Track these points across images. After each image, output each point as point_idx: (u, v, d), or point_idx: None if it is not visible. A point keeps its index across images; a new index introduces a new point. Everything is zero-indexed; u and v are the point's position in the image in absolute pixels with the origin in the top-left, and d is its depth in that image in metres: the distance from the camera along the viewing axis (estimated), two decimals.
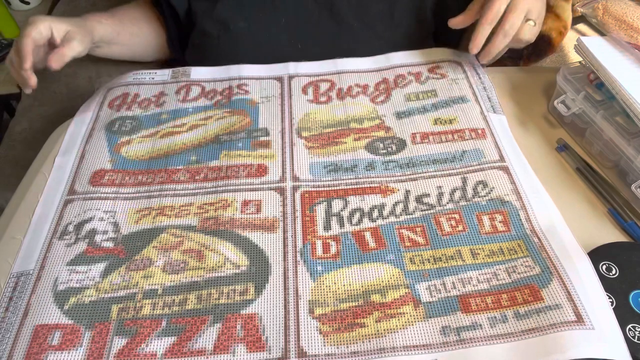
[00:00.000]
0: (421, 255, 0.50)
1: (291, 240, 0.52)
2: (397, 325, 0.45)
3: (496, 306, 0.45)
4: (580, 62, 0.63)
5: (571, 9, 0.94)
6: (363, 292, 0.47)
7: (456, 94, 0.66)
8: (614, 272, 0.47)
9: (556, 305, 0.44)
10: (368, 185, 0.56)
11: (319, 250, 0.51)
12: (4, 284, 0.49)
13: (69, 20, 0.65)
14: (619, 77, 0.55)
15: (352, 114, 0.65)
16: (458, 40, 0.81)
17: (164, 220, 0.54)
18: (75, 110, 0.68)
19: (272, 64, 0.72)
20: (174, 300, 0.47)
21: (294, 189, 0.56)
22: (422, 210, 0.54)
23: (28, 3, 1.33)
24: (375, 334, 0.44)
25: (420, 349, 0.43)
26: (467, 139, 0.60)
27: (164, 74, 0.72)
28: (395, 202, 0.55)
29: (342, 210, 0.54)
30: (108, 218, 0.54)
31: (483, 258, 0.49)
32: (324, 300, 0.47)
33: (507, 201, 0.54)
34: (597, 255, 0.48)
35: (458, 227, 0.52)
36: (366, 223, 0.53)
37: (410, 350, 0.43)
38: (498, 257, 0.49)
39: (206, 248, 0.51)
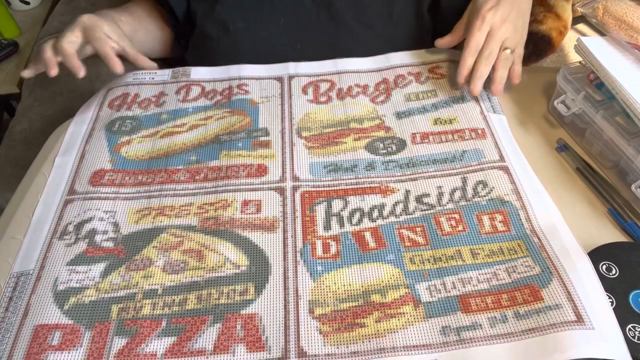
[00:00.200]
0: (421, 255, 0.50)
1: (291, 240, 0.52)
2: (397, 325, 0.45)
3: (496, 306, 0.45)
4: (580, 62, 0.63)
5: (571, 9, 0.94)
6: (363, 292, 0.47)
7: (456, 94, 0.66)
8: (614, 272, 0.47)
9: (556, 305, 0.44)
10: (368, 185, 0.56)
11: (319, 250, 0.51)
12: (4, 284, 0.49)
13: (113, 23, 0.67)
14: (619, 77, 0.55)
15: (352, 114, 0.65)
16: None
17: (164, 220, 0.54)
18: (75, 111, 0.68)
19: (272, 64, 0.72)
20: (174, 300, 0.47)
21: (294, 189, 0.56)
22: (422, 210, 0.54)
23: (28, 3, 1.33)
24: (375, 334, 0.44)
25: (421, 349, 0.43)
26: (467, 139, 0.60)
27: (164, 74, 0.72)
28: (395, 202, 0.55)
29: (342, 210, 0.54)
30: (108, 218, 0.54)
31: (483, 258, 0.49)
32: (324, 300, 0.47)
33: (507, 201, 0.54)
34: (597, 255, 0.48)
35: (458, 227, 0.52)
36: (366, 223, 0.53)
37: (411, 350, 0.43)
38: (498, 257, 0.49)
39: (206, 248, 0.51)
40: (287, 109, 0.66)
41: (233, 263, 0.50)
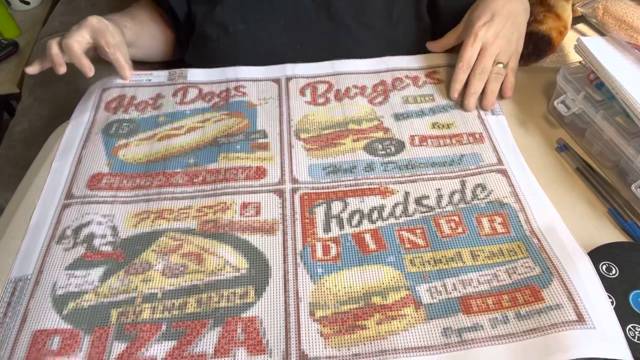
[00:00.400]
0: (421, 257, 0.50)
1: (291, 243, 0.51)
2: (398, 327, 0.44)
3: (497, 307, 0.45)
4: (580, 62, 0.63)
5: (571, 9, 0.94)
6: (364, 294, 0.47)
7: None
8: (614, 272, 0.47)
9: (557, 305, 0.44)
10: (367, 187, 0.56)
11: (319, 253, 0.51)
12: (2, 290, 0.49)
13: (116, 29, 0.68)
14: (619, 77, 0.55)
15: (351, 115, 0.65)
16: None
17: (163, 223, 0.54)
18: None
19: (269, 66, 0.72)
20: (173, 304, 0.47)
21: (293, 191, 0.56)
22: (421, 212, 0.54)
23: (28, 3, 1.33)
24: (376, 336, 0.44)
25: (422, 351, 0.43)
26: (465, 144, 0.61)
27: (161, 75, 0.72)
28: (395, 204, 0.55)
29: (341, 212, 0.54)
30: (106, 222, 0.54)
31: (483, 259, 0.49)
32: (325, 302, 0.47)
33: (506, 203, 0.54)
34: (597, 255, 0.49)
35: (458, 229, 0.52)
36: (366, 225, 0.53)
37: (412, 352, 0.43)
38: (498, 258, 0.49)
39: (205, 251, 0.51)
40: (285, 110, 0.66)
41: (233, 266, 0.50)
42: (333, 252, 0.51)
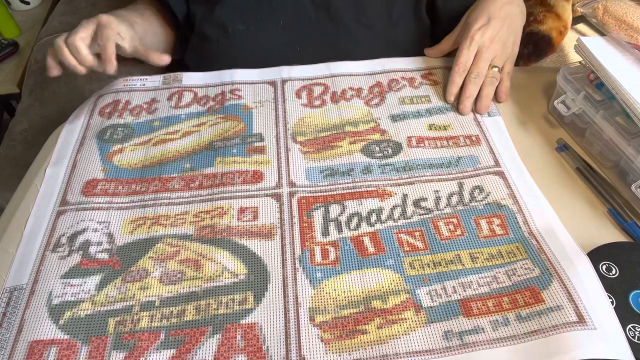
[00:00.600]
0: (421, 260, 0.49)
1: (289, 247, 0.51)
2: (399, 331, 0.44)
3: (498, 309, 0.45)
4: (580, 62, 0.63)
5: (571, 9, 0.94)
6: (363, 298, 0.47)
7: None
8: (614, 272, 0.47)
9: (557, 306, 0.44)
10: (365, 189, 0.56)
11: (318, 257, 0.50)
12: None
13: (128, 25, 0.67)
14: (619, 77, 0.55)
15: (347, 117, 0.64)
16: None
17: (160, 229, 0.53)
18: None
19: (265, 68, 0.71)
20: (172, 311, 0.46)
21: (291, 194, 0.56)
22: (420, 215, 0.53)
23: (28, 3, 1.32)
24: (377, 341, 0.44)
25: (423, 355, 0.43)
26: (462, 146, 0.60)
27: (155, 80, 0.71)
28: (393, 206, 0.54)
29: (339, 215, 0.54)
30: (102, 229, 0.53)
31: (482, 262, 0.49)
32: (325, 307, 0.46)
33: (504, 205, 0.54)
34: (597, 255, 0.48)
35: (456, 231, 0.52)
36: (364, 228, 0.52)
37: (413, 356, 0.43)
38: (497, 260, 0.49)
39: (203, 257, 0.51)
40: (281, 113, 0.65)
41: (231, 272, 0.49)
42: (332, 256, 0.50)
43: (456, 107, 0.65)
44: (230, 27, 0.73)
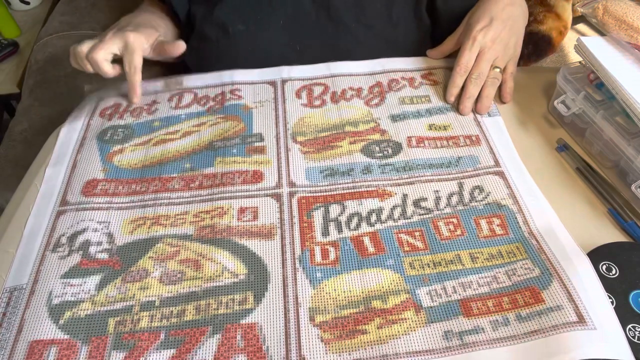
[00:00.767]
0: (421, 260, 0.49)
1: (289, 247, 0.51)
2: (399, 331, 0.44)
3: (498, 309, 0.45)
4: (580, 62, 0.63)
5: (571, 9, 0.94)
6: (363, 298, 0.47)
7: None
8: (614, 272, 0.47)
9: (557, 306, 0.44)
10: (365, 189, 0.56)
11: (318, 257, 0.50)
12: None
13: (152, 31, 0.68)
14: (619, 77, 0.55)
15: (347, 117, 0.64)
16: None
17: (160, 229, 0.53)
18: None
19: (265, 68, 0.71)
20: (171, 311, 0.46)
21: (291, 194, 0.56)
22: (420, 215, 0.53)
23: (28, 3, 1.33)
24: (377, 341, 0.44)
25: (423, 355, 0.43)
26: (462, 146, 0.60)
27: (157, 84, 0.71)
28: (393, 206, 0.54)
29: (339, 215, 0.54)
30: (102, 229, 0.53)
31: (482, 262, 0.49)
32: (325, 307, 0.46)
33: (504, 205, 0.54)
34: (597, 255, 0.48)
35: (456, 231, 0.52)
36: (364, 228, 0.52)
37: (413, 356, 0.43)
38: (497, 260, 0.49)
39: (203, 257, 0.51)
40: (281, 113, 0.65)
41: (231, 272, 0.49)
42: (332, 256, 0.50)
43: (456, 107, 0.65)
44: (231, 28, 0.73)
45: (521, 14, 0.68)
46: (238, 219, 0.54)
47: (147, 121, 0.65)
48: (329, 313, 0.46)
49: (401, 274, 0.48)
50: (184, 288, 0.48)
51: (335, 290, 0.47)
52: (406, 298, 0.47)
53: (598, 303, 0.44)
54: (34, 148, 0.64)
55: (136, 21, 0.69)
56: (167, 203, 0.56)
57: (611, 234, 0.52)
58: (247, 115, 0.65)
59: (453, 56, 0.71)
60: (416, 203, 0.55)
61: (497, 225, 0.52)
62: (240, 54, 0.74)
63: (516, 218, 0.52)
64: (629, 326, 0.44)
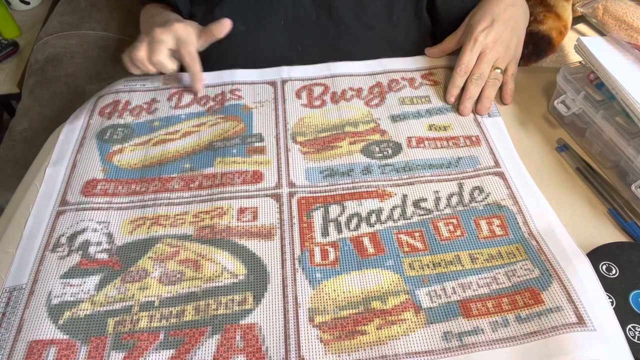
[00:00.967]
0: (420, 260, 0.49)
1: (289, 248, 0.51)
2: (398, 332, 0.44)
3: (497, 310, 0.45)
4: (580, 62, 0.63)
5: (571, 9, 0.94)
6: (363, 298, 0.47)
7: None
8: (614, 272, 0.47)
9: (557, 307, 0.44)
10: (365, 190, 0.56)
11: (317, 257, 0.50)
12: None
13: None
14: (619, 77, 0.55)
15: (347, 118, 0.64)
16: None
17: (159, 230, 0.53)
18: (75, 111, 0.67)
19: (265, 69, 0.71)
20: (171, 312, 0.46)
21: (290, 195, 0.56)
22: (419, 215, 0.53)
23: (28, 3, 1.33)
24: (376, 342, 0.44)
25: (423, 356, 0.43)
26: (462, 146, 0.60)
27: (155, 80, 0.71)
28: (393, 207, 0.54)
29: (339, 216, 0.54)
30: (102, 229, 0.53)
31: (482, 262, 0.49)
32: (324, 307, 0.46)
33: (504, 206, 0.53)
34: (597, 255, 0.48)
35: (456, 232, 0.52)
36: (364, 228, 0.52)
37: (413, 357, 0.42)
38: (497, 261, 0.49)
39: (203, 257, 0.50)
40: (281, 113, 0.65)
41: (230, 272, 0.49)
42: (331, 256, 0.50)
43: (456, 107, 0.65)
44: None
45: (522, 15, 0.68)
46: (238, 219, 0.54)
47: (146, 121, 0.65)
48: (328, 314, 0.46)
49: (401, 275, 0.48)
50: (183, 288, 0.48)
51: (334, 290, 0.47)
52: (406, 299, 0.47)
53: (598, 304, 0.44)
54: (34, 148, 0.65)
55: (166, 18, 0.69)
56: (167, 203, 0.56)
57: (611, 234, 0.52)
58: (247, 115, 0.65)
59: (453, 56, 0.71)
60: (416, 203, 0.54)
61: (497, 226, 0.52)
62: (240, 54, 0.74)
63: (516, 219, 0.52)
64: (629, 326, 0.44)
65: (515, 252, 0.49)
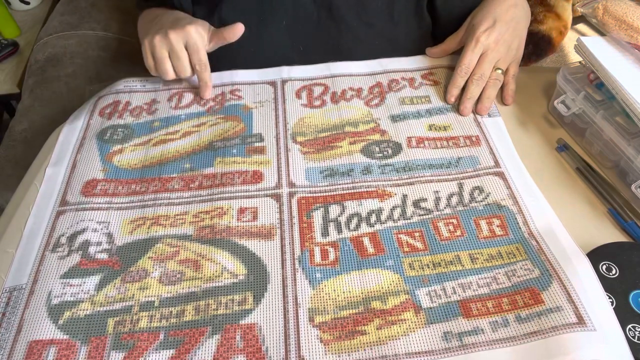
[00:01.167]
0: (420, 260, 0.49)
1: (289, 248, 0.51)
2: (398, 332, 0.44)
3: (497, 310, 0.45)
4: (580, 62, 0.63)
5: (571, 9, 0.94)
6: (363, 298, 0.47)
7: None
8: (614, 272, 0.47)
9: (557, 307, 0.44)
10: (365, 190, 0.56)
11: (318, 257, 0.50)
12: None
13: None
14: (619, 77, 0.55)
15: (347, 118, 0.64)
16: None
17: (159, 230, 0.53)
18: (75, 111, 0.67)
19: (265, 69, 0.71)
20: (171, 312, 0.46)
21: (290, 195, 0.56)
22: (420, 215, 0.53)
23: (28, 3, 1.33)
24: (376, 342, 0.44)
25: (423, 356, 0.43)
26: (462, 146, 0.60)
27: (156, 81, 0.71)
28: (393, 207, 0.54)
29: (339, 216, 0.54)
30: (102, 229, 0.53)
31: (482, 262, 0.49)
32: (324, 307, 0.46)
33: (504, 206, 0.53)
34: (597, 255, 0.48)
35: (456, 232, 0.52)
36: (364, 228, 0.52)
37: (413, 357, 0.42)
38: (497, 261, 0.49)
39: (203, 257, 0.50)
40: (281, 113, 0.65)
41: (230, 272, 0.49)
42: (331, 256, 0.50)
43: (456, 107, 0.65)
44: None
45: (524, 16, 0.68)
46: (238, 219, 0.54)
47: (146, 121, 0.65)
48: (328, 314, 0.46)
49: (401, 275, 0.48)
50: (183, 288, 0.48)
51: (334, 290, 0.47)
52: (406, 299, 0.47)
53: (598, 304, 0.44)
54: (34, 148, 0.65)
55: (175, 16, 0.69)
56: (167, 203, 0.56)
57: (611, 234, 0.52)
58: (247, 115, 0.65)
59: (454, 56, 0.71)
60: (416, 203, 0.54)
61: (497, 226, 0.52)
62: (241, 55, 0.73)
63: (516, 219, 0.52)
64: (629, 326, 0.44)
65: (515, 252, 0.49)
